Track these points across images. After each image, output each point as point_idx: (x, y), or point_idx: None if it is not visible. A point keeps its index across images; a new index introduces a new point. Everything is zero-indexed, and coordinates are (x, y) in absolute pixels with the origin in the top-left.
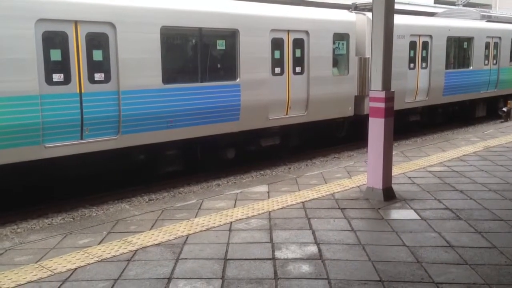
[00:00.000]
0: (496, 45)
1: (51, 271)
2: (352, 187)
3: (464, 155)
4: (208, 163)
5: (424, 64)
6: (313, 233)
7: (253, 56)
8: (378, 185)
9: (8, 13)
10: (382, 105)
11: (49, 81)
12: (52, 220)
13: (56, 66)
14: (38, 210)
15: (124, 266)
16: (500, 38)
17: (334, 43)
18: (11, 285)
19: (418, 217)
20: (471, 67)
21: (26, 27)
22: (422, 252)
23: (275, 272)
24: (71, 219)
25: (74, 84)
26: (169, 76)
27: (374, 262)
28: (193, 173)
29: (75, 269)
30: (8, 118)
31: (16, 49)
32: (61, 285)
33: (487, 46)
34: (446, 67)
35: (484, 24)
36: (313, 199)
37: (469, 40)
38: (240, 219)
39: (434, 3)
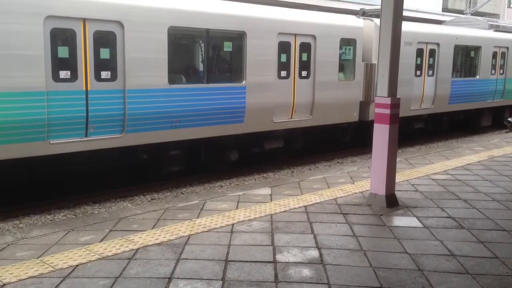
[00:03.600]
0: (503, 55)
1: (52, 267)
2: (355, 193)
3: (468, 164)
4: (212, 164)
5: (430, 72)
6: (315, 237)
7: (259, 59)
8: (381, 191)
9: (18, 9)
10: (387, 111)
11: (55, 77)
12: (54, 216)
13: (63, 63)
14: (41, 205)
15: (125, 264)
16: (507, 48)
17: (341, 48)
18: (13, 279)
19: (420, 225)
20: (478, 76)
21: (35, 23)
22: (424, 260)
23: (276, 275)
24: (74, 216)
25: (80, 82)
26: (175, 76)
27: (375, 268)
28: (196, 173)
29: (76, 265)
30: (14, 113)
31: (24, 45)
32: (62, 281)
33: (494, 55)
34: (453, 76)
35: (491, 34)
36: (316, 203)
37: (477, 49)
38: (242, 221)
39: (442, 11)
